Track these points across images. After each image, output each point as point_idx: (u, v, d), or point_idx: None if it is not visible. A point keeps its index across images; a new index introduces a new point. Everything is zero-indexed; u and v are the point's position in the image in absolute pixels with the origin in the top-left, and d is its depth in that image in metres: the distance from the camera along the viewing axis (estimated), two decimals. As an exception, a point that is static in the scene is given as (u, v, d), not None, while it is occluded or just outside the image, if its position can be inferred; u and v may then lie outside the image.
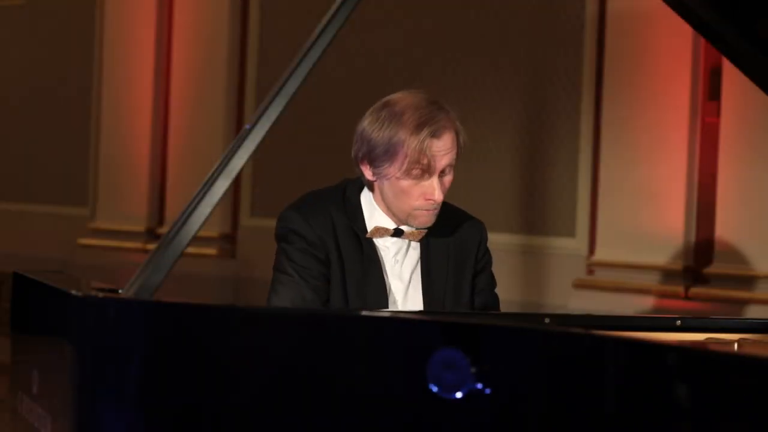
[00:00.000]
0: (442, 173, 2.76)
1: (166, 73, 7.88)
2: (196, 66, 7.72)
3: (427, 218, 2.80)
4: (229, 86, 7.58)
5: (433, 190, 2.74)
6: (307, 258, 2.79)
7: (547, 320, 2.76)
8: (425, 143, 2.70)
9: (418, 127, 2.70)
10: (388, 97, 2.81)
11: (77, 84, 8.42)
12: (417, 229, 2.83)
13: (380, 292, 2.80)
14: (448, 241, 2.89)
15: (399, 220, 2.83)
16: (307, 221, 2.80)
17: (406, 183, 2.74)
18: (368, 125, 2.77)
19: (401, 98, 2.78)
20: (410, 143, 2.70)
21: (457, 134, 2.77)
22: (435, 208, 2.78)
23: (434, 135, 2.71)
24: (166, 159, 7.88)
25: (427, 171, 2.73)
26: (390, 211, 2.82)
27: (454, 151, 2.76)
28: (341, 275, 2.80)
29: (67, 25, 8.52)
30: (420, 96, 2.79)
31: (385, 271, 2.83)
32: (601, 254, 6.03)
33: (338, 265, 2.80)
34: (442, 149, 2.73)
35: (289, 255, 2.80)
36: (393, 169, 2.74)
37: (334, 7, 2.47)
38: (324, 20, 2.46)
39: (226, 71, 7.57)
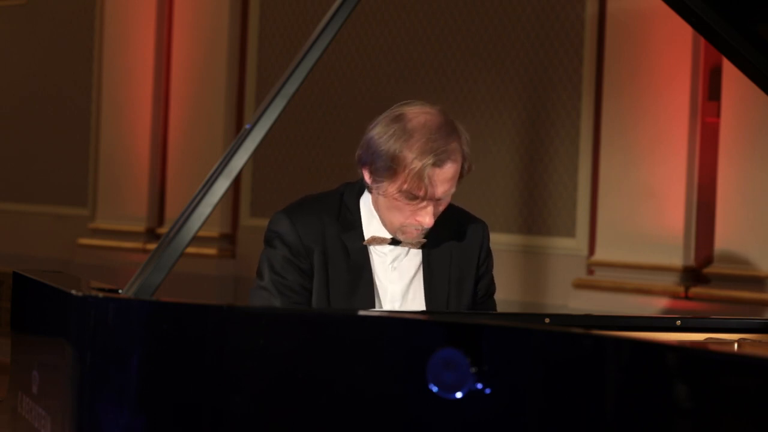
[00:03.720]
0: (438, 198, 2.72)
1: (166, 73, 7.88)
2: (196, 66, 7.72)
3: (416, 236, 2.77)
4: (229, 86, 7.58)
5: (426, 215, 2.71)
6: (287, 267, 2.76)
7: (547, 320, 2.76)
8: (426, 171, 2.65)
9: (423, 154, 2.65)
10: (404, 108, 2.74)
11: (77, 84, 8.42)
12: (410, 242, 2.81)
13: (368, 302, 2.78)
14: (450, 243, 2.87)
15: None
16: (295, 228, 2.77)
17: (400, 203, 2.71)
18: (377, 134, 2.71)
19: (416, 114, 2.71)
20: (412, 168, 2.65)
21: (462, 161, 2.71)
22: (425, 229, 2.76)
23: (437, 164, 2.66)
24: (166, 159, 7.88)
25: (423, 197, 2.69)
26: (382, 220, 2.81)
27: (455, 179, 2.71)
28: (326, 285, 2.77)
29: (67, 25, 8.52)
30: (435, 115, 2.72)
31: (378, 279, 2.81)
32: (601, 254, 6.03)
33: (323, 275, 2.77)
34: (443, 178, 2.68)
35: (270, 261, 2.78)
36: (391, 188, 2.70)
37: (333, 8, 2.46)
38: (324, 20, 2.46)
39: (226, 71, 7.57)
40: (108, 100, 8.10)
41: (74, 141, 8.43)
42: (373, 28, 6.97)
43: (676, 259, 5.76)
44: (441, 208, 2.75)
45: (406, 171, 2.66)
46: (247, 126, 2.39)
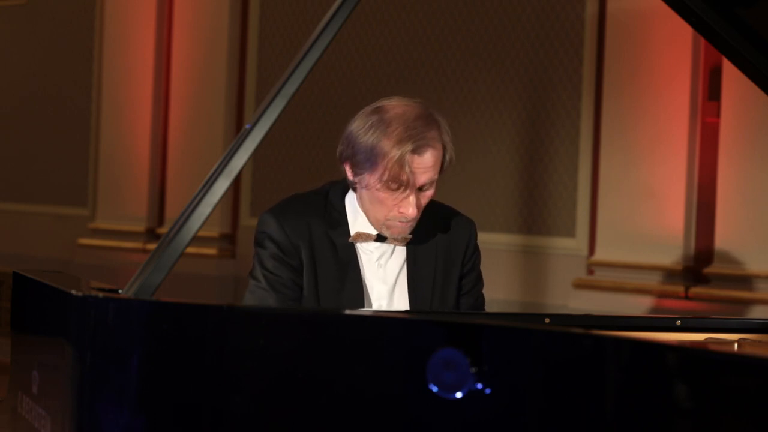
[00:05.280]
0: (421, 188, 2.72)
1: (166, 73, 7.88)
2: (196, 66, 7.72)
3: (401, 230, 2.77)
4: (229, 86, 7.58)
5: (408, 206, 2.71)
6: (278, 265, 2.78)
7: (547, 320, 2.76)
8: (405, 158, 2.66)
9: (401, 142, 2.66)
10: (382, 102, 2.77)
11: (77, 84, 8.42)
12: (395, 238, 2.81)
13: (356, 299, 2.78)
14: (436, 241, 2.87)
15: None
16: (282, 227, 2.78)
17: (382, 194, 2.72)
18: (356, 128, 2.73)
19: (393, 106, 2.74)
20: (391, 156, 2.66)
21: (443, 150, 2.72)
22: (409, 221, 2.75)
23: (416, 151, 2.67)
24: (166, 159, 7.88)
25: (405, 186, 2.69)
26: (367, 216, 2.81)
27: (437, 168, 2.72)
28: (314, 283, 2.78)
29: (67, 25, 8.52)
30: (413, 106, 2.74)
31: (365, 276, 2.81)
32: (601, 254, 6.03)
33: (311, 273, 2.78)
34: (423, 166, 2.69)
35: (262, 261, 2.81)
36: (372, 179, 2.71)
37: (333, 8, 2.46)
38: (324, 20, 2.46)
39: (226, 71, 7.57)
40: (108, 100, 8.10)
41: (74, 141, 8.43)
42: (373, 28, 6.97)
43: (676, 259, 5.76)
44: (424, 201, 2.75)
45: (386, 160, 2.67)
46: (247, 126, 2.39)
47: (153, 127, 7.86)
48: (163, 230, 7.73)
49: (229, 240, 7.65)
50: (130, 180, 7.95)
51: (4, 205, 8.92)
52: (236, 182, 7.18)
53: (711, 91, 5.75)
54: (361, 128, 2.72)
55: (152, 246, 7.22)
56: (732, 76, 5.48)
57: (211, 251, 7.52)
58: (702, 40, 5.55)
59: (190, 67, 7.75)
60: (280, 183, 7.41)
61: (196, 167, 7.52)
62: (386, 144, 2.67)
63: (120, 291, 2.32)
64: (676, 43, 5.71)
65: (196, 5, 7.75)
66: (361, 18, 6.96)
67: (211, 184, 2.33)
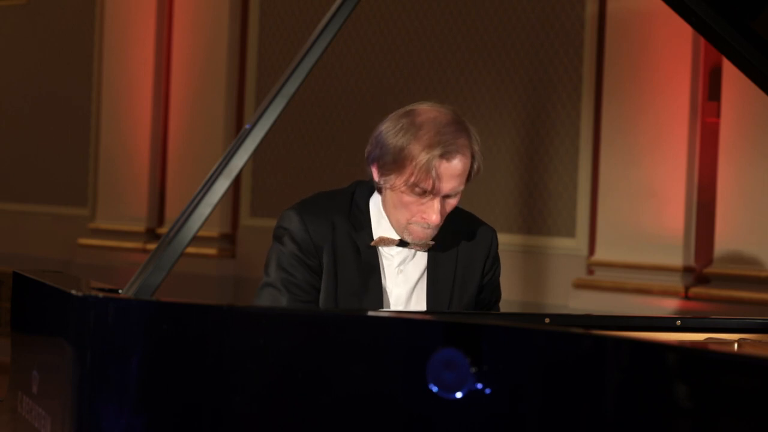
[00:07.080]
0: (446, 196, 2.71)
1: (166, 73, 7.88)
2: (196, 66, 7.72)
3: (422, 235, 2.75)
4: (229, 86, 7.58)
5: (432, 212, 2.70)
6: (295, 265, 2.75)
7: (547, 320, 2.76)
8: (433, 163, 2.65)
9: (431, 146, 2.65)
10: (414, 105, 2.75)
11: (77, 84, 8.42)
12: (417, 243, 2.80)
13: (375, 302, 2.77)
14: (457, 249, 2.85)
15: None
16: (305, 226, 2.75)
17: (407, 197, 2.70)
18: (386, 129, 2.72)
19: (426, 110, 2.72)
20: (419, 160, 2.65)
21: (472, 159, 2.72)
22: (431, 228, 2.74)
23: (445, 157, 2.66)
24: (166, 159, 7.88)
25: (430, 191, 2.68)
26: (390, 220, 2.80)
27: (464, 177, 2.71)
28: (334, 285, 2.76)
29: (67, 25, 8.52)
30: (445, 112, 2.73)
31: (385, 280, 2.79)
32: (601, 254, 6.03)
33: (332, 274, 2.75)
34: (450, 172, 2.68)
35: (279, 258, 2.77)
36: (398, 181, 2.69)
37: (333, 8, 2.46)
38: (324, 20, 2.46)
39: (226, 71, 7.57)
40: (108, 100, 8.10)
41: (74, 141, 8.43)
42: (373, 28, 6.97)
43: (676, 259, 5.76)
44: (449, 208, 2.73)
45: (414, 163, 2.65)
46: (247, 126, 2.39)
47: (153, 127, 7.86)
48: (163, 230, 7.73)
49: (229, 240, 7.64)
50: (130, 180, 7.95)
51: (4, 205, 8.92)
52: (236, 182, 7.19)
53: (711, 91, 5.75)
54: (391, 130, 2.70)
55: (152, 246, 7.23)
56: (732, 76, 5.49)
57: (211, 251, 7.52)
58: (702, 40, 5.55)
59: (190, 67, 7.75)
60: (280, 183, 7.41)
61: (196, 167, 7.52)
62: (415, 147, 2.66)
63: (120, 291, 2.32)
64: (676, 43, 5.71)
65: (196, 5, 7.75)
66: (361, 18, 6.96)
67: (211, 184, 2.32)
